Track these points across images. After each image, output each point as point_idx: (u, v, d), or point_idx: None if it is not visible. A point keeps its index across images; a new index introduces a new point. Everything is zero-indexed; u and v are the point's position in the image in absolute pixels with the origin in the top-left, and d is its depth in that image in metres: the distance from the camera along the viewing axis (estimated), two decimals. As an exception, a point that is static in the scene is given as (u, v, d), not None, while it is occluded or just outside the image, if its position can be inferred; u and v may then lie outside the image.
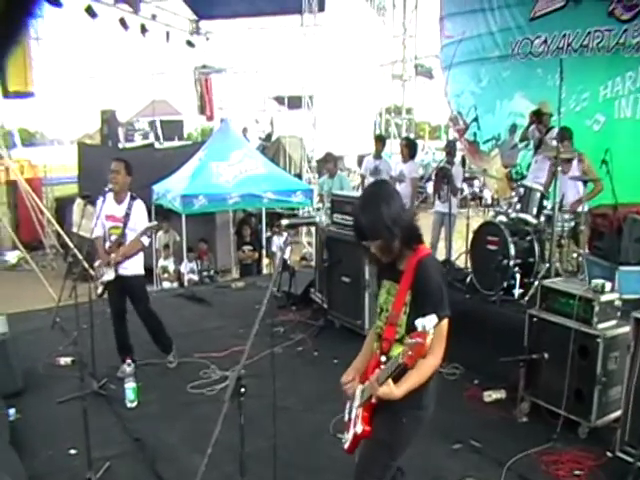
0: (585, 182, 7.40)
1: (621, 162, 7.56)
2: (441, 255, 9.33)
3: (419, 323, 2.66)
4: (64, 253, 14.80)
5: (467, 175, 9.77)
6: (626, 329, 4.90)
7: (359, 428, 3.12)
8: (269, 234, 14.72)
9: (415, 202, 10.91)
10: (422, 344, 2.60)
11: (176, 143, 23.48)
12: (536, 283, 6.60)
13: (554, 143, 7.88)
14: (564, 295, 5.37)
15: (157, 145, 20.25)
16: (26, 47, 14.39)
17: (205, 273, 13.45)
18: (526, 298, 6.86)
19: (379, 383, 2.89)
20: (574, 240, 7.50)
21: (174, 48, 21.71)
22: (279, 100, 22.91)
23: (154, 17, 19.63)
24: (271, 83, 23.20)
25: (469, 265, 8.05)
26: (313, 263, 11.04)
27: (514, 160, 10.66)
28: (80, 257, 6.73)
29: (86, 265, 6.60)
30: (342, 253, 7.85)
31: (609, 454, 4.85)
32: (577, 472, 4.64)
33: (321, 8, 17.93)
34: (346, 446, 3.27)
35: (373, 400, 3.03)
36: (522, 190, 7.41)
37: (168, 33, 20.40)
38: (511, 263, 6.95)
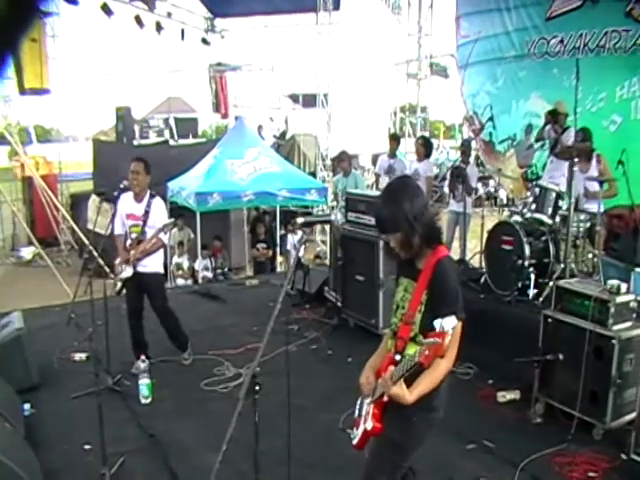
0: (601, 183, 7.35)
1: (638, 163, 7.50)
2: (455, 255, 9.30)
3: (437, 323, 2.66)
4: (79, 249, 14.88)
5: (482, 175, 9.73)
6: (642, 331, 4.89)
7: (369, 425, 3.11)
8: (283, 232, 14.74)
9: (430, 201, 10.89)
10: (440, 344, 2.60)
11: (191, 140, 23.54)
12: (551, 284, 6.57)
13: (571, 142, 7.84)
14: (579, 296, 5.35)
15: (172, 142, 20.27)
16: (42, 44, 14.46)
17: (219, 270, 13.48)
18: (541, 299, 6.83)
19: (392, 381, 2.89)
20: (590, 241, 7.46)
21: (189, 46, 21.77)
22: (294, 98, 22.91)
23: (169, 15, 19.69)
24: (286, 81, 23.17)
25: (484, 265, 8.02)
26: (327, 261, 11.04)
27: (530, 160, 10.62)
28: (95, 254, 6.75)
29: (101, 262, 6.63)
30: (356, 252, 7.84)
31: (624, 456, 4.83)
32: (591, 474, 4.62)
33: (336, 6, 17.92)
34: (355, 442, 3.28)
35: (385, 398, 3.03)
36: (537, 190, 7.38)
37: (183, 31, 20.44)
38: (526, 263, 6.93)
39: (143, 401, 5.97)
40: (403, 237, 2.99)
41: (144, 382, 5.99)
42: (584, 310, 5.22)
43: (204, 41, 21.76)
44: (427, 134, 16.69)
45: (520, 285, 7.03)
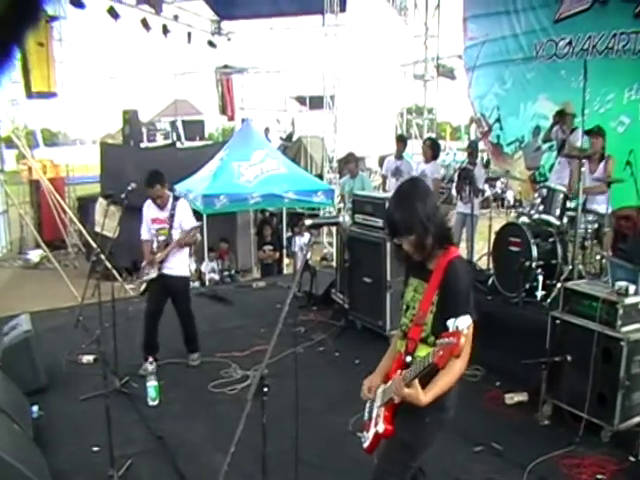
0: (609, 184, 7.33)
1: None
2: (463, 256, 9.28)
3: (451, 323, 2.65)
4: (86, 252, 14.90)
5: (489, 176, 9.72)
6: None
7: (381, 427, 3.11)
8: (290, 234, 14.73)
9: (437, 203, 10.86)
10: (456, 344, 2.59)
11: (197, 143, 23.55)
12: (559, 285, 6.56)
13: (579, 143, 7.83)
14: (587, 297, 5.33)
15: (179, 145, 20.30)
16: (49, 47, 14.50)
17: (226, 273, 13.48)
18: (548, 300, 6.82)
19: (405, 383, 2.88)
20: (598, 242, 7.44)
21: (196, 48, 21.80)
22: (300, 100, 22.88)
23: (176, 18, 19.73)
24: (292, 83, 23.16)
25: (491, 266, 8.02)
26: (334, 263, 11.04)
27: (537, 162, 10.60)
28: (103, 256, 6.78)
29: (109, 265, 6.66)
30: (363, 253, 7.84)
31: (632, 458, 4.83)
32: (599, 476, 4.61)
33: (342, 8, 17.88)
34: (366, 445, 3.28)
35: (396, 400, 3.03)
36: (545, 191, 7.37)
37: (190, 34, 20.48)
38: (533, 265, 6.91)
39: (151, 403, 5.98)
40: (417, 239, 2.99)
41: (152, 384, 6.01)
42: (592, 312, 5.21)
43: (210, 44, 21.78)
44: (434, 135, 16.64)
45: (528, 286, 7.02)
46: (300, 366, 3.37)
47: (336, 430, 5.27)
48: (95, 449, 5.07)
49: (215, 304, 9.62)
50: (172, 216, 6.62)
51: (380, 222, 7.47)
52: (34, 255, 15.73)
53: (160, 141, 23.77)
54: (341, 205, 11.78)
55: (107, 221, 8.56)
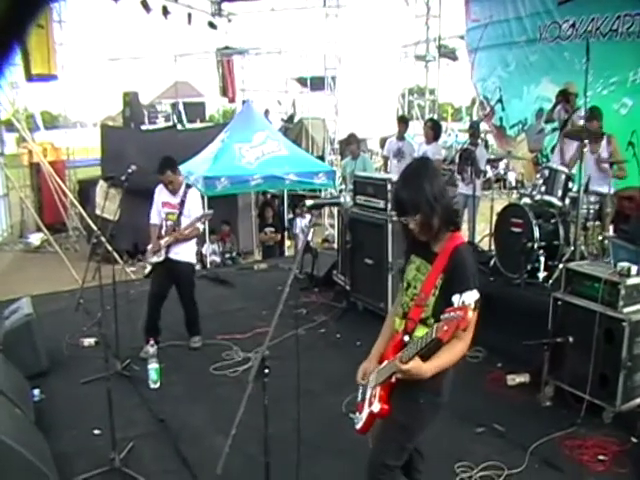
0: (611, 164, 7.29)
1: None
2: (464, 237, 9.25)
3: (456, 298, 2.62)
4: (87, 235, 14.90)
5: (491, 157, 9.68)
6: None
7: (376, 407, 3.10)
8: (291, 216, 14.72)
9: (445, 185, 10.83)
10: (463, 317, 2.57)
11: (198, 125, 23.47)
12: (561, 266, 6.54)
13: (581, 122, 7.78)
14: (589, 278, 5.31)
15: (179, 127, 20.22)
16: (49, 30, 14.42)
17: (227, 255, 13.49)
18: (550, 281, 6.81)
19: (404, 361, 2.87)
20: (600, 222, 7.41)
21: (196, 30, 21.64)
22: (301, 81, 22.76)
23: (176, -1, 19.58)
24: (293, 64, 23.02)
25: (493, 248, 8.00)
26: (335, 245, 11.03)
27: (540, 145, 10.56)
28: (103, 239, 6.77)
29: (109, 247, 6.66)
30: (365, 235, 7.82)
31: (634, 439, 4.82)
32: (601, 457, 4.61)
33: (343, -12, 17.79)
34: (359, 426, 3.28)
35: (393, 379, 3.02)
36: (547, 172, 7.33)
37: (190, 15, 20.31)
38: (535, 246, 6.89)
39: (152, 386, 5.99)
40: (423, 218, 2.96)
41: (153, 367, 6.01)
42: (594, 292, 5.19)
43: (211, 25, 21.60)
44: (435, 117, 16.56)
45: (529, 268, 7.01)
46: (301, 348, 3.35)
47: (337, 411, 5.27)
48: (97, 432, 5.08)
49: (217, 286, 9.63)
50: (182, 202, 6.66)
51: (382, 203, 7.45)
52: (35, 239, 15.75)
53: (161, 123, 23.68)
54: (342, 186, 11.74)
55: (108, 204, 8.55)
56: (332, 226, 16.04)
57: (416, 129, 17.05)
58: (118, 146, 14.36)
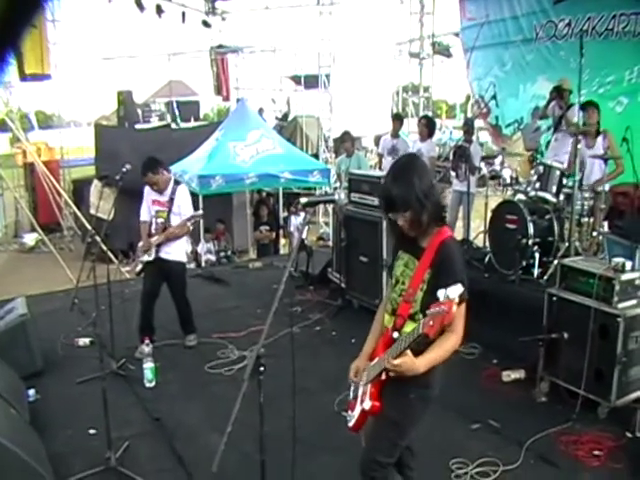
0: (606, 160, 7.30)
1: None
2: (459, 234, 9.28)
3: (441, 293, 2.61)
4: (82, 235, 14.88)
5: (487, 154, 9.70)
6: (647, 308, 4.87)
7: (367, 404, 3.10)
8: (286, 214, 14.71)
9: (433, 180, 10.85)
10: (447, 312, 2.55)
11: (193, 124, 23.43)
12: (555, 262, 6.55)
13: (575, 119, 7.78)
14: (584, 274, 5.32)
15: (174, 126, 20.19)
16: (43, 29, 14.39)
17: (222, 253, 13.48)
18: (545, 277, 6.82)
19: (393, 357, 2.87)
20: (594, 219, 7.42)
21: (190, 28, 21.59)
22: (296, 80, 22.75)
23: (170, -2, 19.51)
24: (287, 62, 23.00)
25: (487, 244, 8.01)
26: (330, 243, 11.03)
27: (536, 143, 10.57)
28: (98, 239, 6.76)
29: (104, 247, 6.66)
30: (360, 232, 7.82)
31: (629, 435, 4.83)
32: (596, 452, 4.62)
33: (337, -14, 17.78)
34: (351, 424, 3.28)
35: (383, 376, 3.02)
36: (541, 168, 7.33)
37: (184, 13, 20.25)
38: (530, 242, 6.91)
39: (147, 385, 5.98)
40: (413, 215, 2.95)
41: (148, 366, 6.00)
42: (589, 288, 5.20)
43: (205, 23, 21.52)
44: (430, 114, 16.56)
45: (524, 264, 7.02)
46: (297, 346, 3.36)
47: (333, 409, 5.28)
48: (92, 432, 5.08)
49: (211, 285, 9.62)
50: (172, 200, 6.63)
51: (376, 201, 7.44)
52: (29, 239, 15.72)
53: (155, 122, 23.65)
54: (337, 184, 11.74)
55: (102, 203, 8.52)
56: (327, 224, 16.06)
57: (410, 126, 17.05)
58: (112, 145, 14.36)
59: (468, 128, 9.79)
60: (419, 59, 17.39)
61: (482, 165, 9.01)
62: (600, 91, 10.53)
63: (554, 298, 5.50)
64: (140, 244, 6.79)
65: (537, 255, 6.97)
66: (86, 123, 31.34)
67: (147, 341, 6.36)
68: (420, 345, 2.83)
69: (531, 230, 6.90)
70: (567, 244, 6.92)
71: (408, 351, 2.82)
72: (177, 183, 6.84)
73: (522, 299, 6.62)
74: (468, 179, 8.74)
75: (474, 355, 6.48)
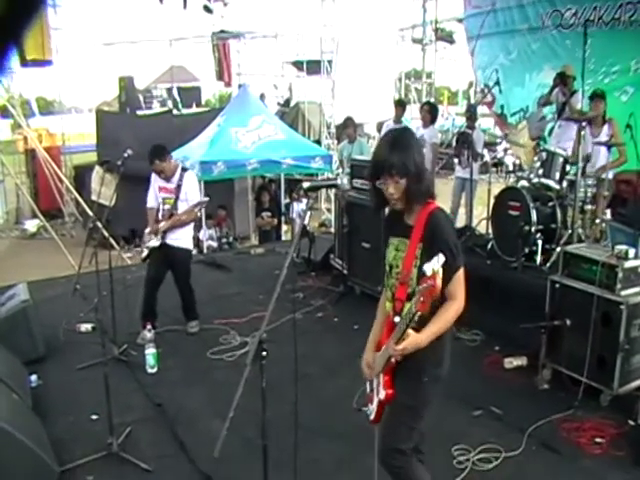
0: (609, 147, 7.26)
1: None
2: (462, 221, 9.27)
3: (427, 268, 2.59)
4: (83, 221, 14.87)
5: (490, 141, 9.68)
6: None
7: (382, 394, 3.11)
8: (288, 200, 14.69)
9: (436, 168, 10.84)
10: (433, 285, 2.55)
11: (194, 109, 23.37)
12: (558, 249, 6.53)
13: (579, 106, 7.75)
14: (587, 261, 5.30)
15: (175, 112, 20.14)
16: (44, 15, 14.32)
17: (224, 240, 13.46)
18: (548, 264, 6.80)
19: (395, 341, 2.87)
20: (598, 206, 7.40)
21: (192, 14, 21.51)
22: (298, 65, 22.65)
23: (171, -17, 19.42)
24: (289, 48, 22.90)
25: (490, 231, 7.99)
26: (332, 229, 11.01)
27: (542, 132, 10.53)
28: (100, 224, 6.74)
29: (106, 233, 6.64)
30: (362, 219, 7.79)
31: (631, 422, 4.82)
32: (598, 440, 4.62)
33: (340, -29, 17.67)
34: (372, 417, 3.27)
35: (392, 360, 3.02)
36: (544, 155, 7.30)
37: (185, -1, 20.19)
38: (533, 229, 6.88)
39: (149, 371, 5.99)
40: (408, 182, 2.92)
41: (150, 352, 6.01)
42: (592, 275, 5.18)
43: (206, 9, 21.45)
44: (432, 100, 16.52)
45: (527, 251, 7.00)
46: (299, 332, 3.33)
47: (335, 395, 5.27)
48: (94, 417, 5.09)
49: (213, 271, 9.62)
50: (179, 187, 6.61)
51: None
52: (31, 225, 15.70)
53: (157, 108, 23.59)
54: (339, 170, 11.71)
55: (104, 189, 8.52)
56: (329, 210, 16.04)
57: (413, 113, 17.02)
58: (114, 131, 14.31)
59: (471, 115, 9.75)
60: (422, 45, 17.31)
61: (485, 152, 8.98)
62: (606, 81, 10.46)
63: (557, 285, 5.48)
64: (147, 230, 6.78)
65: (540, 242, 6.95)
66: (87, 109, 31.34)
67: (149, 327, 6.35)
68: (419, 323, 2.83)
69: (534, 217, 6.88)
70: (570, 231, 6.89)
71: (410, 330, 2.82)
72: (184, 170, 6.81)
73: (525, 286, 6.60)
74: (471, 166, 8.71)
75: (476, 342, 6.49)
